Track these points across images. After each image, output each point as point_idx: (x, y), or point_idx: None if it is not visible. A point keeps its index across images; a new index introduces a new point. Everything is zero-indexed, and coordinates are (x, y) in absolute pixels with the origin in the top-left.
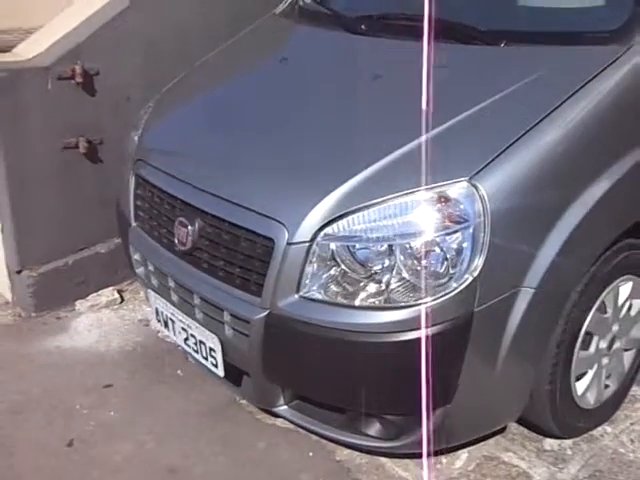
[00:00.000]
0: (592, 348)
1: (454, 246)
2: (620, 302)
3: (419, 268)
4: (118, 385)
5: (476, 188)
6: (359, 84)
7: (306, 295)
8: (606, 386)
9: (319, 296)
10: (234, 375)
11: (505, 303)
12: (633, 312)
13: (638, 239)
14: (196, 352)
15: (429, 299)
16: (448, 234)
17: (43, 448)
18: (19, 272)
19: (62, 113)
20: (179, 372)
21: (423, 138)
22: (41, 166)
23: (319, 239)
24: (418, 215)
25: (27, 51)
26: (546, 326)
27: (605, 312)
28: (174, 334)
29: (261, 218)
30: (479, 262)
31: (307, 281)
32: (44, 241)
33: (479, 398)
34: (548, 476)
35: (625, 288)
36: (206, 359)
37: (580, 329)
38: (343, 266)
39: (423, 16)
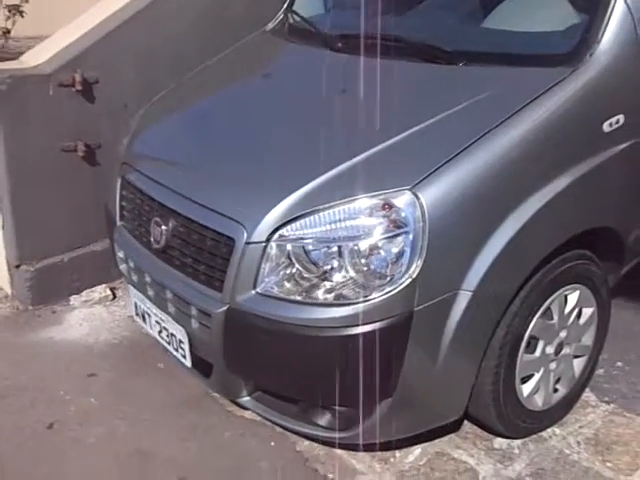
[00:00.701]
0: (538, 352)
1: (395, 249)
2: (567, 310)
3: (364, 268)
4: (101, 375)
5: (417, 197)
6: (325, 98)
7: (262, 291)
8: (556, 390)
9: (274, 292)
10: (204, 367)
11: (444, 304)
12: (582, 320)
13: (588, 250)
14: (168, 344)
15: (372, 297)
16: (390, 238)
17: (24, 429)
18: (18, 267)
19: (62, 118)
20: (160, 365)
21: (373, 150)
22: (41, 167)
23: (274, 239)
24: (364, 220)
25: (32, 59)
26: (485, 328)
27: (551, 318)
28: (150, 327)
29: (224, 219)
30: (418, 265)
31: (263, 278)
32: (42, 238)
33: (421, 393)
34: (493, 472)
35: (573, 297)
36: (177, 350)
37: (523, 333)
38: (296, 265)
39: (396, 36)
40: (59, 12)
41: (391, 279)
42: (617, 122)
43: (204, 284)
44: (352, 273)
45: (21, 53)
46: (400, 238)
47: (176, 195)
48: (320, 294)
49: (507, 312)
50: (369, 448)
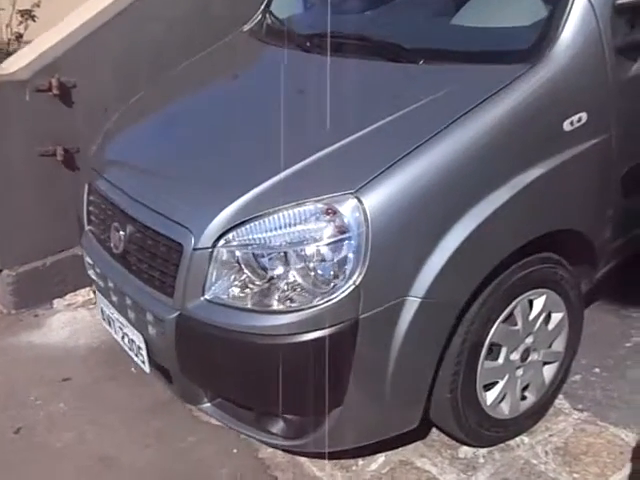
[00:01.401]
0: (501, 359)
1: (338, 255)
2: (533, 315)
3: (309, 274)
4: (75, 379)
5: (360, 201)
6: (283, 100)
7: (210, 298)
8: (524, 397)
9: (222, 299)
10: (166, 373)
11: (391, 311)
12: (551, 325)
13: (553, 253)
14: (130, 350)
15: (317, 304)
16: (333, 243)
17: None
18: (0, 271)
19: (40, 123)
20: (132, 369)
21: (322, 152)
22: (21, 172)
23: (220, 245)
24: (308, 225)
25: (12, 65)
26: (437, 335)
27: (515, 324)
28: (115, 332)
29: (173, 224)
30: (362, 271)
31: (211, 284)
32: (24, 242)
33: (372, 402)
34: None
35: (539, 302)
36: (137, 356)
37: (483, 340)
38: (243, 271)
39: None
40: None
41: (335, 286)
42: (579, 120)
43: (158, 290)
44: (297, 279)
45: None
46: (343, 244)
47: (132, 200)
48: (266, 301)
49: (464, 318)
50: (333, 456)
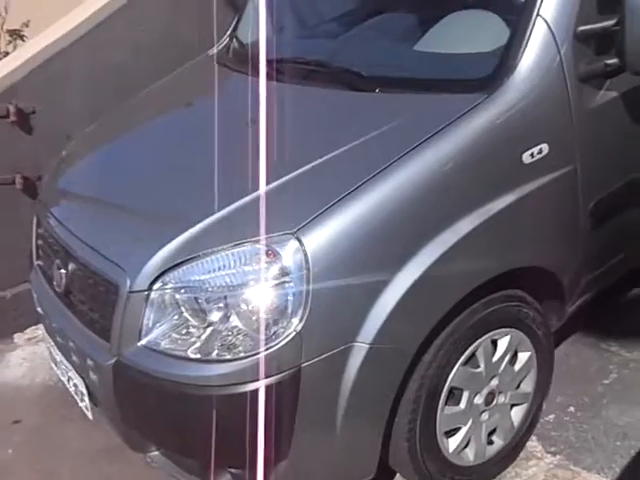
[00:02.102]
0: (463, 404)
1: (278, 300)
2: (497, 356)
3: (247, 320)
4: (27, 421)
5: (300, 242)
6: (232, 132)
7: (146, 344)
8: (491, 442)
9: (159, 346)
10: None
11: (337, 358)
12: (518, 366)
13: (518, 290)
14: (75, 394)
15: (256, 353)
16: (272, 287)
17: None
18: None
19: None
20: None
21: (264, 189)
22: None
23: (156, 288)
24: (247, 267)
25: None
26: (388, 382)
27: (477, 367)
28: (61, 375)
29: (110, 264)
30: (303, 316)
31: (148, 330)
32: None
33: (321, 455)
34: None
35: (503, 342)
36: (81, 401)
37: (442, 384)
38: (181, 316)
39: (319, 61)
40: None
41: (275, 332)
42: (539, 152)
43: (97, 334)
44: (237, 325)
45: None
46: (283, 287)
47: (73, 236)
48: (205, 348)
49: (420, 361)
50: None
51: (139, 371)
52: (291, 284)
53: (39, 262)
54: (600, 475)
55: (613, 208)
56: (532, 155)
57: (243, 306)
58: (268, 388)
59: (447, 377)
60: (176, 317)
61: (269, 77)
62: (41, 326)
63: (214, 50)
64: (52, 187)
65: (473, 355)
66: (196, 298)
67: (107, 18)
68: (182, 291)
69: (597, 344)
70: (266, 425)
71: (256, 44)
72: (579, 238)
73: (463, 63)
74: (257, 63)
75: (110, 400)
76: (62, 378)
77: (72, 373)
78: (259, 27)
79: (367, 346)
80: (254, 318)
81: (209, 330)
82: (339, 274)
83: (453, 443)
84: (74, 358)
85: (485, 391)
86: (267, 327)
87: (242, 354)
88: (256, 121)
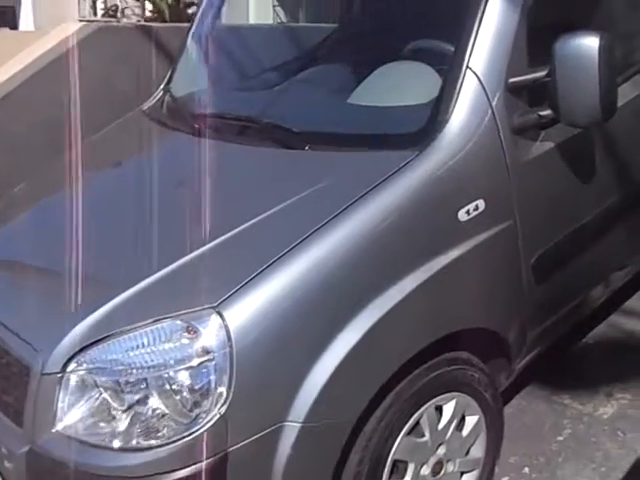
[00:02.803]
0: (409, 476)
1: (199, 380)
2: (443, 423)
3: (167, 403)
4: None
5: (222, 317)
6: (155, 194)
7: (61, 431)
8: None
9: (74, 432)
10: None
11: (267, 440)
12: (466, 431)
13: (461, 351)
14: None
15: (178, 438)
16: (193, 367)
17: None
18: None
19: None
20: None
21: (184, 260)
22: None
23: (70, 369)
24: (165, 345)
25: None
26: (325, 460)
27: (422, 436)
28: None
29: (22, 343)
30: (228, 397)
31: (62, 415)
32: None
33: None
34: None
35: (449, 407)
36: None
37: (385, 457)
38: (97, 399)
39: (249, 117)
40: None
41: (197, 416)
42: (476, 209)
43: (11, 419)
44: (157, 407)
45: None
46: (204, 367)
47: None
48: (123, 435)
49: (360, 434)
50: None
51: (53, 460)
52: (213, 363)
53: None
54: None
55: (556, 261)
56: (468, 212)
57: (163, 387)
58: (193, 477)
59: (390, 450)
60: (93, 400)
61: (199, 134)
62: None
63: (148, 104)
64: None
65: (417, 424)
66: (114, 379)
67: (37, 73)
68: (99, 372)
69: (550, 397)
70: None
71: (187, 98)
72: (522, 294)
73: (394, 117)
74: (187, 119)
75: None
76: None
77: None
78: (191, 81)
79: (299, 425)
80: (175, 400)
81: (128, 414)
82: (266, 350)
83: None
84: None
85: (432, 461)
86: (189, 410)
87: (164, 440)
88: (182, 184)
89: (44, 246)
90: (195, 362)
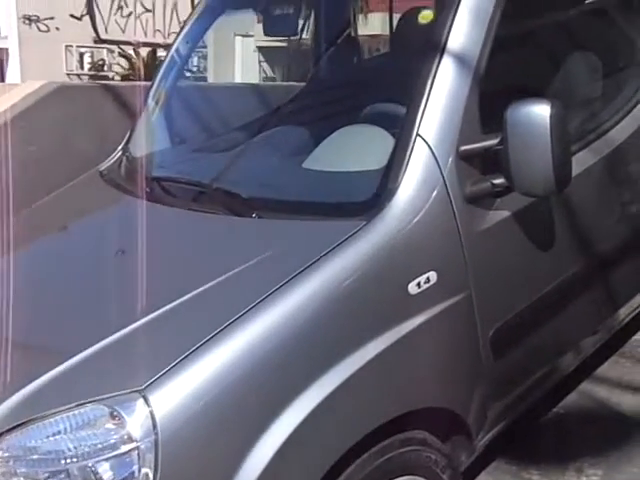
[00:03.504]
0: None
1: (123, 470)
2: None
3: None
4: None
5: (148, 402)
6: (92, 263)
7: None
8: None
9: None
10: None
11: None
12: None
13: (417, 431)
14: None
15: None
16: (116, 456)
17: None
18: None
19: None
20: None
21: (111, 339)
22: None
23: None
24: (87, 431)
25: None
26: None
27: None
28: None
29: None
30: None
31: None
32: None
33: None
34: None
35: None
36: None
37: None
38: None
39: (200, 182)
40: None
41: None
42: (427, 281)
43: None
44: None
45: None
46: (128, 456)
47: None
48: None
49: None
50: None
51: None
52: (137, 452)
53: None
54: None
55: (516, 334)
56: (419, 285)
57: (86, 477)
58: None
59: None
60: None
61: (149, 199)
62: None
63: (105, 164)
64: None
65: None
66: (33, 470)
67: None
68: (17, 461)
69: (518, 473)
70: None
71: (143, 160)
72: (481, 369)
73: (346, 184)
74: (140, 182)
75: None
76: None
77: None
78: (149, 142)
79: None
80: None
81: None
82: (196, 437)
83: None
84: None
85: None
86: None
87: None
88: (122, 253)
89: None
90: (119, 451)
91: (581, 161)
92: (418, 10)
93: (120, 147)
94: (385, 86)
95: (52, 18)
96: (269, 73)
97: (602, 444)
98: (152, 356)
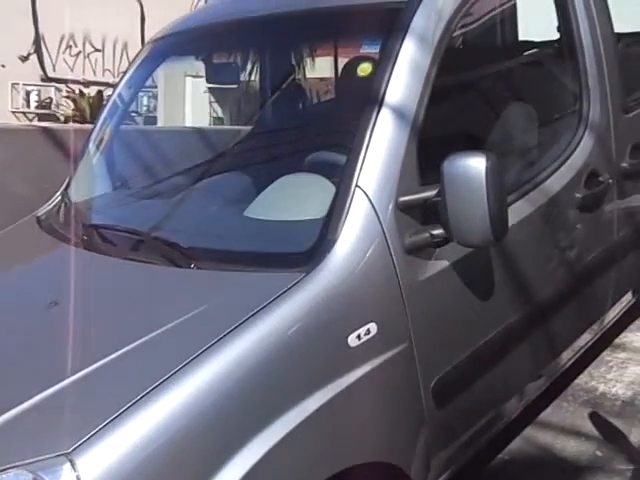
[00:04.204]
0: None
1: None
2: None
3: None
4: None
5: (74, 467)
6: (24, 318)
7: None
8: None
9: None
10: None
11: None
12: None
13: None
14: None
15: None
16: None
17: None
18: None
19: None
20: None
21: (36, 398)
22: None
23: None
24: None
25: None
26: None
27: None
28: None
29: None
30: None
31: None
32: None
33: None
34: None
35: None
36: None
37: None
38: None
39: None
40: None
41: None
42: (367, 333)
43: None
44: None
45: None
46: None
47: None
48: None
49: None
50: None
51: None
52: None
53: None
54: None
55: (458, 383)
56: (359, 337)
57: None
58: None
59: None
60: None
61: (85, 247)
62: None
63: (43, 210)
64: None
65: None
66: None
67: None
68: None
69: None
70: None
71: (81, 206)
72: (423, 420)
73: (286, 234)
74: (77, 229)
75: None
76: None
77: None
78: (88, 187)
79: None
80: None
81: None
82: None
83: None
84: None
85: None
86: None
87: None
88: (52, 305)
89: None
90: None
91: (518, 211)
92: (358, 62)
93: (59, 192)
94: (328, 134)
95: None
96: (220, 114)
97: None
98: (81, 416)
